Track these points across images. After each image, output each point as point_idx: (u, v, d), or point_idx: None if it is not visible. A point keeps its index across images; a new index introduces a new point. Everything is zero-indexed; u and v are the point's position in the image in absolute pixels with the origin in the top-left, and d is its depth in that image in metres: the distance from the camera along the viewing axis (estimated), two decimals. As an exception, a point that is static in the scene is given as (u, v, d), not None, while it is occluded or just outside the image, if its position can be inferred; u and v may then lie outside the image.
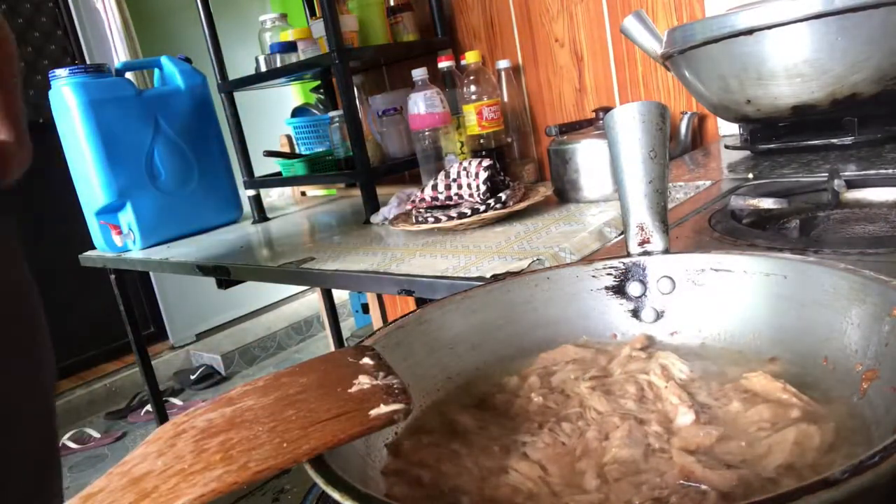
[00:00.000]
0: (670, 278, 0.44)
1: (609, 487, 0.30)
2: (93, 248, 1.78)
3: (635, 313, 0.45)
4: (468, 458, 0.34)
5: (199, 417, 0.31)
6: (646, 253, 0.45)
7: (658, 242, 0.45)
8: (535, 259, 0.90)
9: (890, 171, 0.80)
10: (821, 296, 0.36)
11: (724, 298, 0.42)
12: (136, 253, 1.67)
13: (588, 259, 0.48)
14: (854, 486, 0.20)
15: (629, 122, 0.45)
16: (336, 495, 0.25)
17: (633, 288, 0.45)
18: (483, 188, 1.18)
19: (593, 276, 0.46)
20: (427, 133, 1.40)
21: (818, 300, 0.36)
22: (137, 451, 0.30)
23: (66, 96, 1.56)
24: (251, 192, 1.80)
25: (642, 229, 0.45)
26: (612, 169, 0.47)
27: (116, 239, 1.70)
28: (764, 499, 0.20)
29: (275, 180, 1.87)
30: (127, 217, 1.67)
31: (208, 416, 0.31)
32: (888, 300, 0.31)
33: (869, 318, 0.33)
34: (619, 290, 0.45)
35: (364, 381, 0.33)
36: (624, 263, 0.45)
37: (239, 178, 1.82)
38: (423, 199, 1.24)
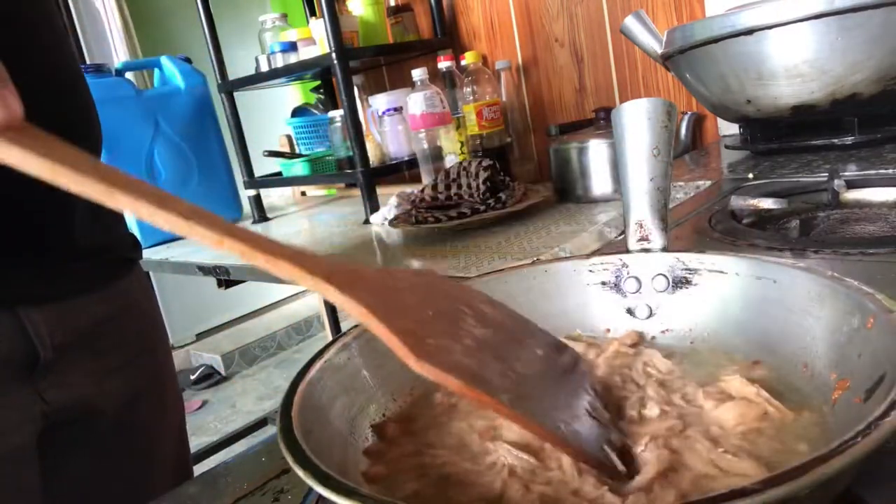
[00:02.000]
0: (665, 276, 0.44)
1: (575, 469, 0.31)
2: (93, 247, 1.77)
3: (629, 309, 0.45)
4: (448, 444, 0.35)
5: None
6: (644, 250, 0.45)
7: (657, 240, 0.45)
8: (534, 259, 0.90)
9: (890, 171, 0.80)
10: (806, 303, 0.36)
11: (715, 299, 0.42)
12: (136, 252, 1.67)
13: (586, 254, 0.48)
14: (769, 497, 0.20)
15: (635, 119, 0.46)
16: (333, 496, 0.25)
17: (629, 284, 0.45)
18: (483, 188, 1.18)
19: (590, 271, 0.46)
20: (427, 133, 1.40)
21: (803, 307, 0.36)
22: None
23: (66, 96, 1.56)
24: (251, 192, 1.80)
25: (641, 226, 0.45)
26: (617, 164, 0.47)
27: (116, 238, 1.69)
28: None
29: (275, 180, 1.87)
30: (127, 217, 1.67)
31: None
32: (866, 310, 0.31)
33: (847, 328, 0.33)
34: (614, 285, 0.45)
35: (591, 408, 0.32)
36: (621, 259, 0.45)
37: (239, 178, 1.82)
38: (423, 199, 1.24)
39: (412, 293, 0.31)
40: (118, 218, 0.75)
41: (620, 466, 0.29)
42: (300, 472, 0.26)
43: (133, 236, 0.77)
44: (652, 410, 0.34)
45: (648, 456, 0.30)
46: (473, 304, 0.34)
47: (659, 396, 0.35)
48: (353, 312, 0.27)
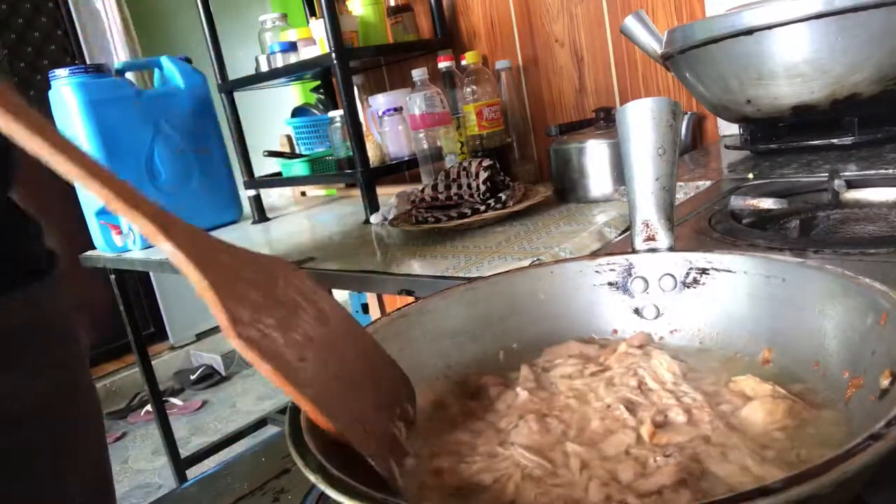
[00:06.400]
0: (672, 276, 0.44)
1: (586, 475, 0.30)
2: (93, 248, 1.78)
3: (637, 310, 0.45)
4: (459, 447, 0.35)
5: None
6: (650, 250, 0.45)
7: (663, 240, 0.45)
8: (535, 259, 0.90)
9: (890, 171, 0.80)
10: (817, 300, 0.36)
11: (724, 298, 0.42)
12: (136, 253, 1.67)
13: (592, 254, 0.48)
14: (792, 495, 0.20)
15: (640, 118, 0.45)
16: (335, 494, 0.25)
17: (636, 285, 0.45)
18: (483, 188, 1.18)
19: (597, 272, 0.46)
20: (427, 133, 1.40)
21: (814, 304, 0.36)
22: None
23: (65, 96, 1.56)
24: (251, 192, 1.80)
25: (647, 226, 0.45)
26: (622, 164, 0.47)
27: (116, 239, 1.69)
28: None
29: (275, 180, 1.87)
30: (127, 217, 1.66)
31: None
32: (879, 308, 0.31)
33: (860, 325, 0.32)
34: (621, 286, 0.45)
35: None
36: (627, 260, 0.45)
37: (239, 178, 1.82)
38: (423, 199, 1.24)
39: (254, 275, 0.31)
40: (27, 230, 0.72)
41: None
42: (310, 475, 0.26)
43: (47, 250, 0.73)
44: (677, 416, 0.34)
45: (671, 463, 0.29)
46: (313, 300, 0.34)
47: (679, 401, 0.35)
48: (195, 283, 0.27)
